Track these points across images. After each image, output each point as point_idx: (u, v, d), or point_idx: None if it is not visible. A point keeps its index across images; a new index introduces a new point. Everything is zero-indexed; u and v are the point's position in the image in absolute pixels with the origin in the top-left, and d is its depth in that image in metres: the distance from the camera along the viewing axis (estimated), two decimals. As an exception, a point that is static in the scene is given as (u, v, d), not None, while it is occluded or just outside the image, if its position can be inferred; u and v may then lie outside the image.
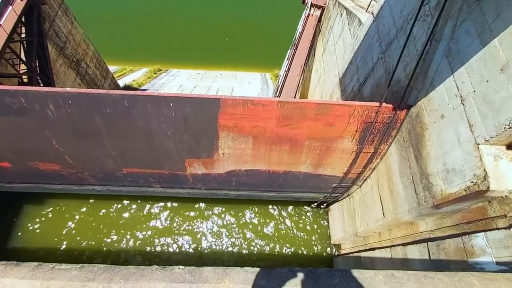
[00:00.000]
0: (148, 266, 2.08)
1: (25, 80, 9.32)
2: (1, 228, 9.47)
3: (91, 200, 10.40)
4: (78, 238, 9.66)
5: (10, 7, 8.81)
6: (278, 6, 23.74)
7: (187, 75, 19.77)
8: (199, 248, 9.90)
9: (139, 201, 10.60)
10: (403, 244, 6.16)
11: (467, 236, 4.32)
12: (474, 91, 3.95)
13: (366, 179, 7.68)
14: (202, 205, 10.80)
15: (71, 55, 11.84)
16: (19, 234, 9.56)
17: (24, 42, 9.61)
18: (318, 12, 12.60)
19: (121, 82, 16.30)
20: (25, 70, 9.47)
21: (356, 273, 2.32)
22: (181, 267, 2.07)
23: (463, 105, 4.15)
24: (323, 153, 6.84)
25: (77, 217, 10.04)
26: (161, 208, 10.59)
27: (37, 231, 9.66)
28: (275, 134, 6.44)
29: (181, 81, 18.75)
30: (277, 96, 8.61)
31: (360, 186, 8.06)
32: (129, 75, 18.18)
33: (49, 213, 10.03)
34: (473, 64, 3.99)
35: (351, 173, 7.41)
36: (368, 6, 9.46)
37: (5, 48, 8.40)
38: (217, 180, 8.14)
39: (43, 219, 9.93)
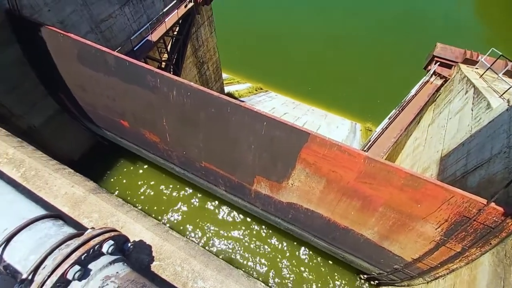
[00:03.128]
0: (235, 268, 2.20)
1: (163, 66, 11.40)
2: (102, 168, 11.55)
3: (164, 175, 11.73)
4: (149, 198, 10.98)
5: (176, 11, 11.08)
6: (393, 65, 22.99)
7: (282, 101, 20.73)
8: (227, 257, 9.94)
9: (203, 197, 11.38)
10: None
11: None
12: None
13: (438, 278, 6.47)
14: (253, 224, 10.89)
15: (200, 57, 13.98)
16: (112, 177, 11.48)
17: (174, 38, 11.84)
18: (439, 82, 11.70)
19: (227, 89, 18.25)
20: (166, 59, 11.61)
21: None
22: (262, 284, 2.13)
23: None
24: (396, 228, 6.12)
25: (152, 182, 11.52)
26: (220, 208, 11.13)
27: (123, 180, 11.44)
28: (351, 186, 6.12)
29: (275, 104, 19.75)
30: (365, 151, 8.21)
31: (427, 282, 6.83)
32: (234, 85, 20.21)
33: (136, 172, 11.75)
34: None
35: (421, 262, 6.38)
36: (504, 92, 8.31)
37: (161, 39, 10.54)
38: (276, 206, 8.13)
39: (131, 174, 11.70)
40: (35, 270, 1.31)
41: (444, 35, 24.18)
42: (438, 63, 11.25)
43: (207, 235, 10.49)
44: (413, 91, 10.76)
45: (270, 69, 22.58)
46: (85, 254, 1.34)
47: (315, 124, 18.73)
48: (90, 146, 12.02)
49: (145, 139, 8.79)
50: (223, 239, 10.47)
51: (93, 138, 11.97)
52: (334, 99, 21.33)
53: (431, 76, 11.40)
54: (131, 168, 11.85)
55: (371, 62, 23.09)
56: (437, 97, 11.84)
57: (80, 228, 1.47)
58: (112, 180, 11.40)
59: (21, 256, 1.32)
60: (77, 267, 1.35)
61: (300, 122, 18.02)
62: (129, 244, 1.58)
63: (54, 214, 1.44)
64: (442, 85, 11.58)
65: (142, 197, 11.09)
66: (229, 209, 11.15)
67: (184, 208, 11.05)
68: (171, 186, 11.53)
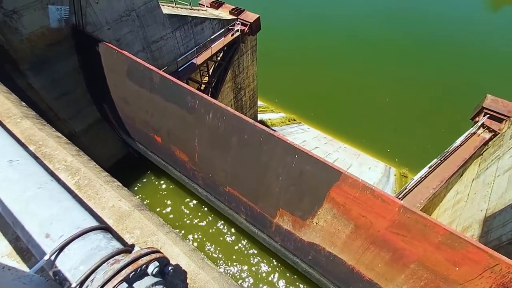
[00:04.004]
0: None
1: (202, 88, 12.13)
2: (129, 179, 12.11)
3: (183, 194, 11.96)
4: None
5: (223, 38, 11.96)
6: (437, 112, 22.30)
7: (314, 134, 20.70)
8: None
9: (223, 223, 11.38)
10: None
11: None
12: None
13: None
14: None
15: (238, 83, 14.71)
16: (136, 190, 11.97)
17: (216, 63, 12.66)
18: (487, 135, 11.11)
19: (260, 116, 18.78)
20: (206, 82, 12.37)
21: None
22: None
23: None
24: (429, 290, 5.63)
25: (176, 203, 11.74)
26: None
27: (147, 194, 11.84)
28: (381, 235, 5.83)
29: (306, 137, 19.77)
30: (400, 198, 7.85)
31: None
32: (268, 114, 20.73)
33: (160, 188, 12.13)
34: None
35: (456, 337, 5.72)
36: None
37: (204, 63, 11.34)
38: (296, 244, 7.89)
39: (154, 189, 12.09)
40: (83, 281, 1.41)
41: (493, 85, 23.27)
42: (488, 115, 10.78)
43: (217, 261, 10.32)
44: (457, 142, 10.30)
45: (305, 101, 22.93)
46: (133, 273, 1.42)
47: (346, 162, 18.34)
48: (121, 157, 12.75)
49: (175, 157, 9.17)
50: (235, 267, 10.23)
51: (125, 149, 12.72)
52: (369, 138, 20.88)
53: (479, 128, 10.89)
54: (155, 183, 12.30)
55: (413, 106, 22.60)
56: (484, 151, 11.19)
57: (121, 243, 1.58)
58: (136, 192, 11.86)
59: (71, 265, 1.43)
60: (124, 285, 1.43)
61: (330, 158, 17.77)
62: (170, 268, 1.64)
63: (104, 226, 1.57)
64: (490, 139, 10.98)
65: (163, 212, 11.34)
66: (246, 240, 10.97)
67: (201, 231, 11.06)
68: (191, 206, 11.70)
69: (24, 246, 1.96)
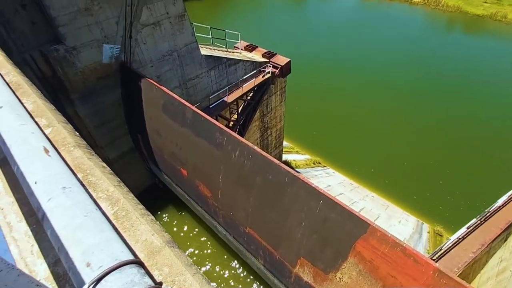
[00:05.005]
0: None
1: (230, 125, 12.66)
2: (151, 210, 12.35)
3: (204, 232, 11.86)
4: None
5: (254, 79, 12.71)
6: (478, 166, 21.14)
7: (339, 180, 20.21)
8: None
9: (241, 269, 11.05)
10: None
11: None
12: None
13: None
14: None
15: (266, 122, 15.18)
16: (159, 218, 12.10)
17: (246, 102, 13.29)
18: (534, 197, 10.27)
19: (284, 157, 18.87)
20: (234, 119, 12.92)
21: None
22: None
23: None
24: None
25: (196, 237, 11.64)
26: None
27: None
28: (412, 301, 5.34)
29: (331, 182, 19.34)
30: (435, 260, 7.26)
31: None
32: (293, 155, 20.79)
33: (181, 222, 12.20)
34: None
35: None
36: None
37: (234, 101, 11.97)
38: (317, 300, 7.37)
39: (175, 222, 12.17)
40: (115, 317, 1.46)
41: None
42: (534, 175, 10.09)
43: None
44: (499, 201, 9.60)
45: (332, 144, 22.80)
46: (165, 312, 1.45)
47: (374, 213, 17.48)
48: (147, 186, 13.20)
49: (198, 191, 9.34)
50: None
51: (151, 180, 13.18)
52: (400, 189, 19.95)
53: (524, 188, 10.15)
54: (177, 217, 12.40)
55: (448, 161, 21.61)
56: (533, 215, 10.25)
57: (151, 279, 1.62)
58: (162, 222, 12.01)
59: (106, 298, 1.49)
60: (155, 325, 1.44)
61: (356, 207, 17.07)
62: (197, 312, 1.65)
63: (139, 260, 1.65)
64: (539, 201, 10.11)
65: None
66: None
67: (215, 272, 10.74)
68: (208, 245, 11.54)
69: (61, 272, 2.08)
